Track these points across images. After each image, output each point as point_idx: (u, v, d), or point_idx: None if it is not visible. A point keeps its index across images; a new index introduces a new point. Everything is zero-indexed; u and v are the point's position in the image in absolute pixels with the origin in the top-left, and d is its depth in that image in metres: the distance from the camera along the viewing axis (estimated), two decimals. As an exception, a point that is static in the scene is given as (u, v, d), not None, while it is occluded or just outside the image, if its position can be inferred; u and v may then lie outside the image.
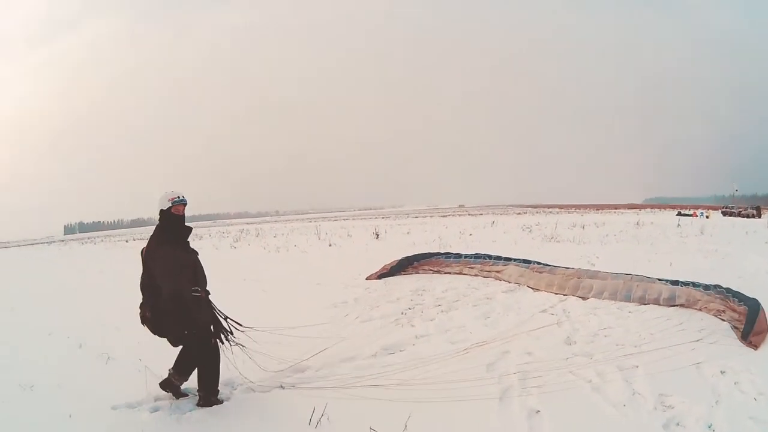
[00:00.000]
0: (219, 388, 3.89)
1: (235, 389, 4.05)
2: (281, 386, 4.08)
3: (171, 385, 3.81)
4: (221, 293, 4.04)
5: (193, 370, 3.80)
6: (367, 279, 9.20)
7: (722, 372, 4.03)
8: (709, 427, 3.20)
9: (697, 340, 4.79)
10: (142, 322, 3.70)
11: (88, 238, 53.47)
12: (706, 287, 6.21)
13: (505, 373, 4.17)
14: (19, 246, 47.40)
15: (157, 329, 3.69)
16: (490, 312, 6.34)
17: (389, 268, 9.47)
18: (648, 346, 4.72)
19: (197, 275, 3.72)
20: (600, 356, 4.52)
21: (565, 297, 6.93)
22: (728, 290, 5.95)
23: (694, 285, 6.36)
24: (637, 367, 4.18)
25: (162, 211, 3.68)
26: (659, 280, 6.74)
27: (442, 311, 6.47)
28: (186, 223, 3.80)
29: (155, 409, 3.68)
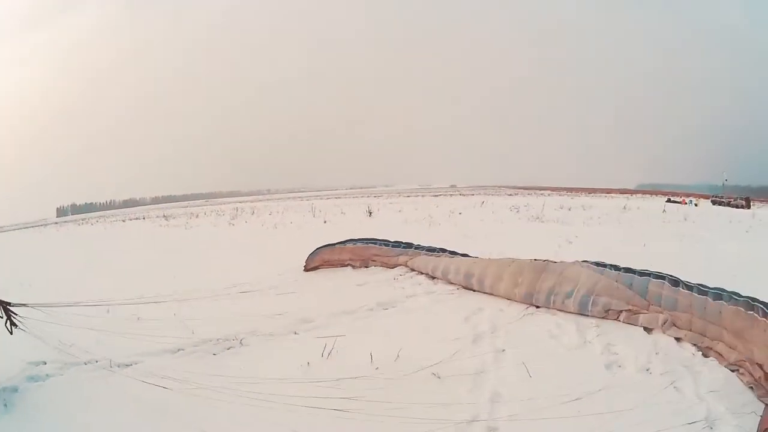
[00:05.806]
0: (243, 336, 4.68)
1: (257, 335, 4.79)
2: (295, 332, 4.88)
3: None
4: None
5: None
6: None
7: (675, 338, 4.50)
8: (647, 370, 3.77)
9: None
10: None
11: (83, 219, 53.32)
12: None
13: (478, 323, 4.98)
14: (14, 230, 47.09)
15: None
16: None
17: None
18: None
19: None
20: (563, 315, 5.14)
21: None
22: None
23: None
24: (597, 326, 4.76)
25: None
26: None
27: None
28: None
29: (192, 353, 4.37)
